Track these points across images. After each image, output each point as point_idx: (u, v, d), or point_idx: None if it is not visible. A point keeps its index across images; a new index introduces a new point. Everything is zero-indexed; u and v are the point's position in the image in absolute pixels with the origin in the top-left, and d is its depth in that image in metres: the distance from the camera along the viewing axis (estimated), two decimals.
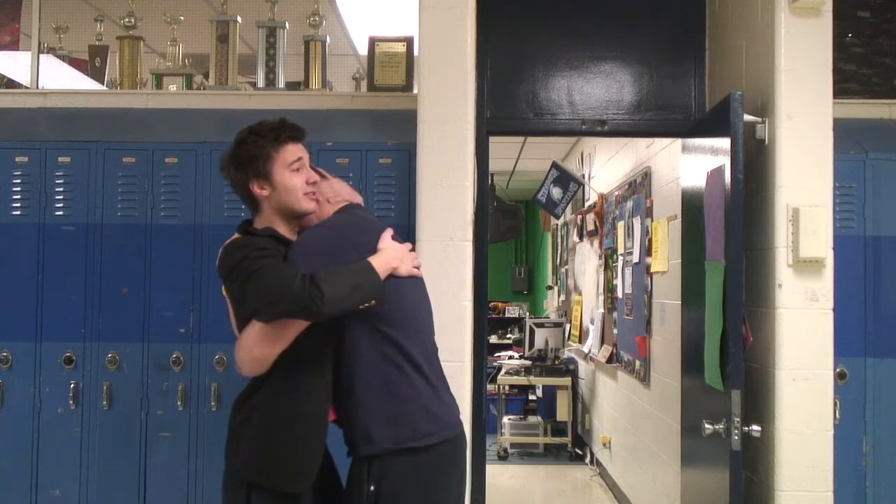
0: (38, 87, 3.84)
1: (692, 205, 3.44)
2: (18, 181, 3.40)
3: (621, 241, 5.77)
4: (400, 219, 3.26)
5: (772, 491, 2.91)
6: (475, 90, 3.28)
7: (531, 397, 7.78)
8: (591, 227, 6.79)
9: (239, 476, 2.21)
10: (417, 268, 2.35)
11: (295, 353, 2.16)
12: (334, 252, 2.23)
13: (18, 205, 3.40)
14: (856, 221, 3.28)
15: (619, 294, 5.81)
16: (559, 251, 9.16)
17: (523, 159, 8.29)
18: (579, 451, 7.26)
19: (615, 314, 6.00)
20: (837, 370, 3.15)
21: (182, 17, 4.13)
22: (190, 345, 3.35)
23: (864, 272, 3.27)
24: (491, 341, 9.45)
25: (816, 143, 2.96)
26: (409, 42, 3.78)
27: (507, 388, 7.55)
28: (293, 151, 2.28)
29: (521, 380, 7.38)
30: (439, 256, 3.04)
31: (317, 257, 2.19)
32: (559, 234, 9.08)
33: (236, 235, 2.29)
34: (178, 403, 3.33)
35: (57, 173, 3.40)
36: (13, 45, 4.03)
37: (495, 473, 6.50)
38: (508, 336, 10.02)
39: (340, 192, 2.42)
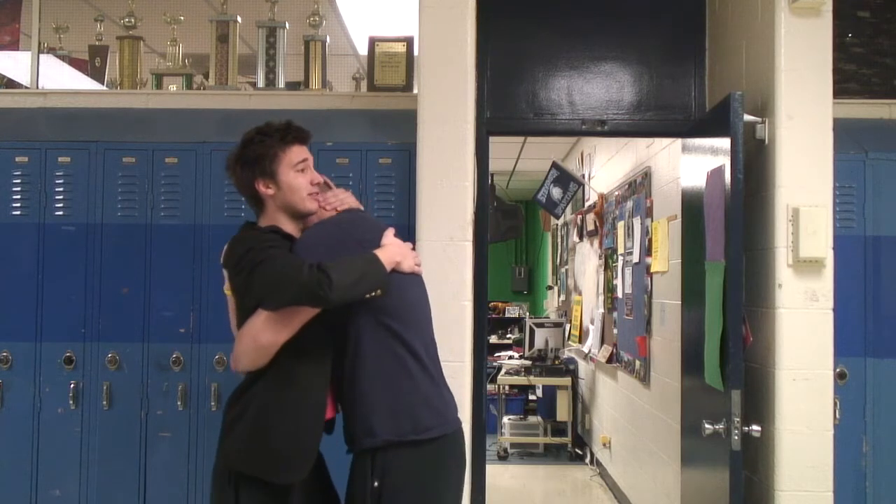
0: (38, 87, 3.84)
1: (692, 205, 3.44)
2: (18, 181, 3.40)
3: (621, 241, 5.77)
4: (400, 219, 3.26)
5: (772, 491, 2.91)
6: (475, 90, 3.28)
7: (531, 397, 7.78)
8: (591, 227, 6.79)
9: (228, 467, 2.21)
10: (418, 265, 2.39)
11: (294, 348, 2.18)
12: (337, 246, 2.26)
13: (18, 205, 3.40)
14: (856, 221, 3.28)
15: (619, 294, 5.81)
16: (559, 251, 9.16)
17: (523, 159, 8.29)
18: (579, 451, 7.26)
19: (615, 314, 6.00)
20: (837, 370, 3.15)
21: (182, 17, 4.13)
22: (190, 345, 3.35)
23: (864, 272, 3.27)
24: (491, 341, 9.45)
25: (816, 143, 2.96)
26: (409, 42, 3.78)
27: (507, 388, 7.55)
28: (298, 152, 2.33)
29: (521, 380, 7.38)
30: (439, 256, 3.04)
31: (321, 250, 2.23)
32: (559, 234, 9.08)
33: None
34: (178, 403, 3.33)
35: (57, 173, 3.40)
36: (13, 45, 4.03)
37: (495, 473, 6.50)
38: (508, 336, 10.02)
39: (346, 201, 2.46)
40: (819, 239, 2.91)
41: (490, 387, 6.90)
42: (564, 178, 6.40)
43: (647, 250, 5.01)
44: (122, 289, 3.36)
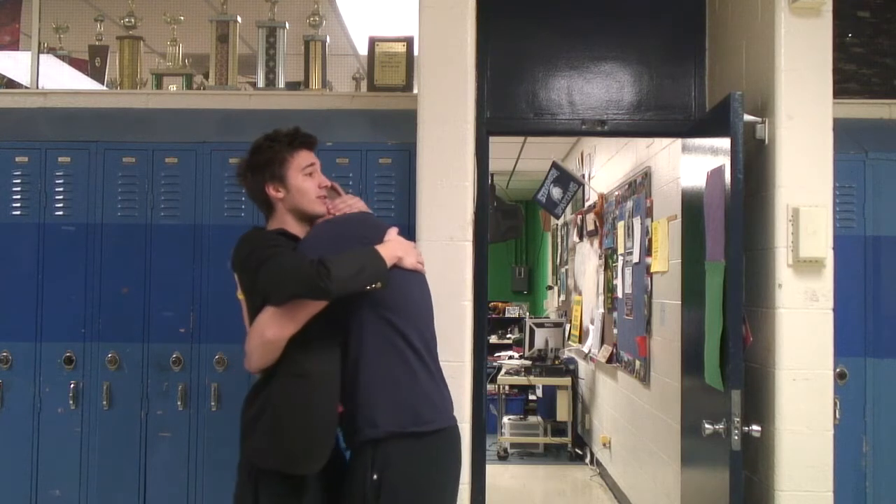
0: (38, 87, 3.84)
1: (692, 205, 3.44)
2: (18, 181, 3.40)
3: (621, 241, 5.77)
4: (400, 219, 3.25)
5: (772, 491, 2.91)
6: (475, 90, 3.27)
7: (531, 397, 7.78)
8: (591, 227, 6.79)
9: (249, 462, 2.30)
10: (421, 263, 2.45)
11: (304, 343, 2.25)
12: (339, 241, 2.33)
13: (18, 205, 3.40)
14: (856, 221, 3.28)
15: (619, 294, 5.81)
16: (559, 251, 9.16)
17: (523, 159, 8.29)
18: (579, 451, 7.26)
19: (615, 314, 6.00)
20: (837, 370, 3.15)
21: (182, 17, 4.13)
22: (190, 345, 3.35)
23: (864, 272, 3.27)
24: (491, 341, 9.45)
25: (816, 143, 2.96)
26: (409, 42, 3.78)
27: (507, 388, 7.55)
28: (306, 157, 2.44)
29: (521, 380, 7.38)
30: (439, 256, 3.03)
31: (323, 244, 2.30)
32: (559, 234, 9.07)
33: None
34: (178, 403, 3.33)
35: (57, 173, 3.40)
36: (13, 45, 4.03)
37: (495, 473, 6.50)
38: (508, 336, 10.02)
39: (354, 207, 2.51)
40: (819, 239, 2.91)
41: (490, 387, 6.90)
42: (564, 178, 6.40)
43: (647, 250, 5.01)
44: (122, 289, 3.36)
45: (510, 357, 8.31)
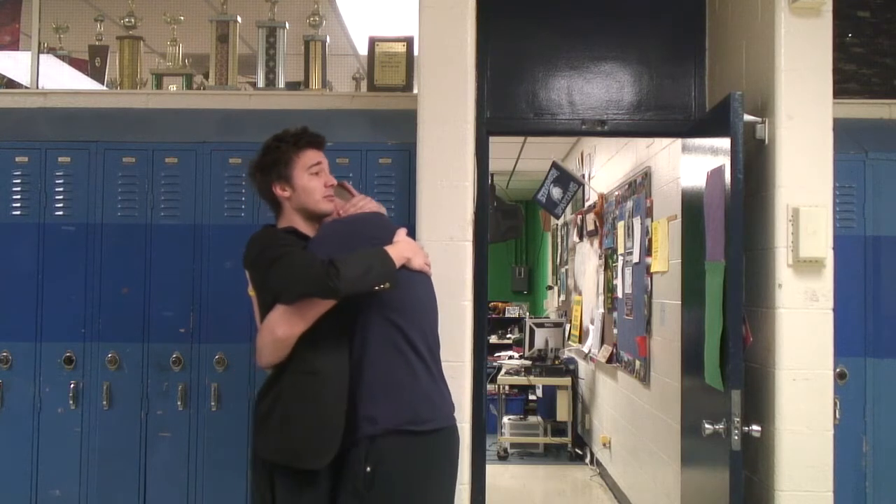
0: (38, 87, 3.84)
1: (692, 205, 3.44)
2: (18, 181, 3.40)
3: (621, 241, 5.77)
4: (400, 219, 3.25)
5: (772, 491, 2.91)
6: (475, 90, 3.27)
7: (531, 397, 7.78)
8: (591, 227, 6.79)
9: (262, 457, 2.36)
10: (428, 265, 2.48)
11: (313, 341, 2.29)
12: (348, 240, 2.36)
13: (18, 205, 3.40)
14: (856, 221, 3.28)
15: (619, 294, 5.81)
16: (559, 251, 9.16)
17: (523, 159, 8.29)
18: (579, 451, 7.26)
19: (615, 314, 6.00)
20: (837, 370, 3.15)
21: (182, 17, 4.13)
22: (190, 345, 3.35)
23: (864, 272, 3.27)
24: (491, 341, 9.45)
25: (816, 143, 2.96)
26: (409, 42, 3.78)
27: (507, 388, 7.55)
28: (312, 156, 2.47)
29: (521, 380, 7.38)
30: (439, 256, 3.03)
31: (333, 244, 2.33)
32: (559, 234, 9.07)
33: None
34: (178, 403, 3.33)
35: (57, 173, 3.40)
36: (13, 45, 4.03)
37: (495, 473, 6.50)
38: (508, 336, 10.02)
39: (366, 208, 2.53)
40: (819, 239, 2.91)
41: (490, 387, 6.90)
42: (564, 178, 6.40)
43: (647, 250, 5.00)
44: (122, 289, 3.36)
45: (510, 357, 8.31)
